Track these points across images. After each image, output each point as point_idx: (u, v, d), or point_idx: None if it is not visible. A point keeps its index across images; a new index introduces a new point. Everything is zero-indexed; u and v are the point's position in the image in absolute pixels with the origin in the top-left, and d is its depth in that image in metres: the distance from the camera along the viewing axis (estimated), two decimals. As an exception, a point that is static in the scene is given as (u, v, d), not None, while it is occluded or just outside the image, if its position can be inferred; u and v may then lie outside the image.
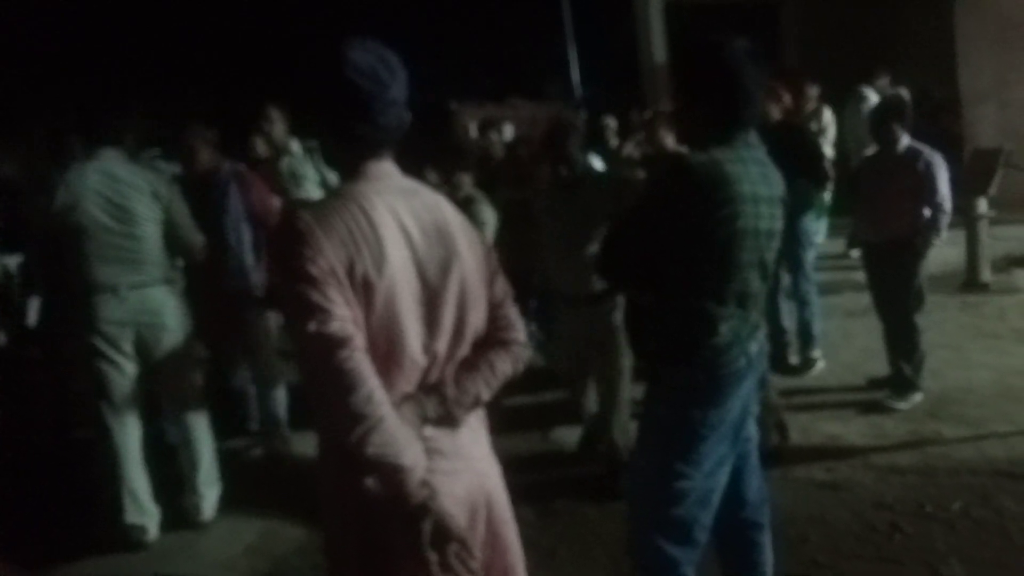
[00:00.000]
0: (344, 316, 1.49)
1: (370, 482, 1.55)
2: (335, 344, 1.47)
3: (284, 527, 3.64)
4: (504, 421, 4.50)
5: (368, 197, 1.58)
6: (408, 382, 1.61)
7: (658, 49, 11.52)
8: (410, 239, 1.60)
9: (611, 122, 8.14)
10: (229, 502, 3.86)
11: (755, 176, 2.13)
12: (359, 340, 1.50)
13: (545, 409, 5.02)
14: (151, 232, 3.58)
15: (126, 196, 3.51)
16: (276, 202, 4.54)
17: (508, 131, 10.02)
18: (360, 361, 1.49)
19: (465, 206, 4.96)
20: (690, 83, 2.26)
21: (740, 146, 2.16)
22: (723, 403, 2.20)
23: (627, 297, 2.51)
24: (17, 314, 5.13)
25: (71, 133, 3.69)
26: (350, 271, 1.50)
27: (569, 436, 4.54)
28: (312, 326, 1.47)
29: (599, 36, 13.79)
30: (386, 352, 1.56)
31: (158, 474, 3.74)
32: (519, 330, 1.79)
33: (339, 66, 1.59)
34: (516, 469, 3.85)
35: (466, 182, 5.14)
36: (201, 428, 3.80)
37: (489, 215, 5.03)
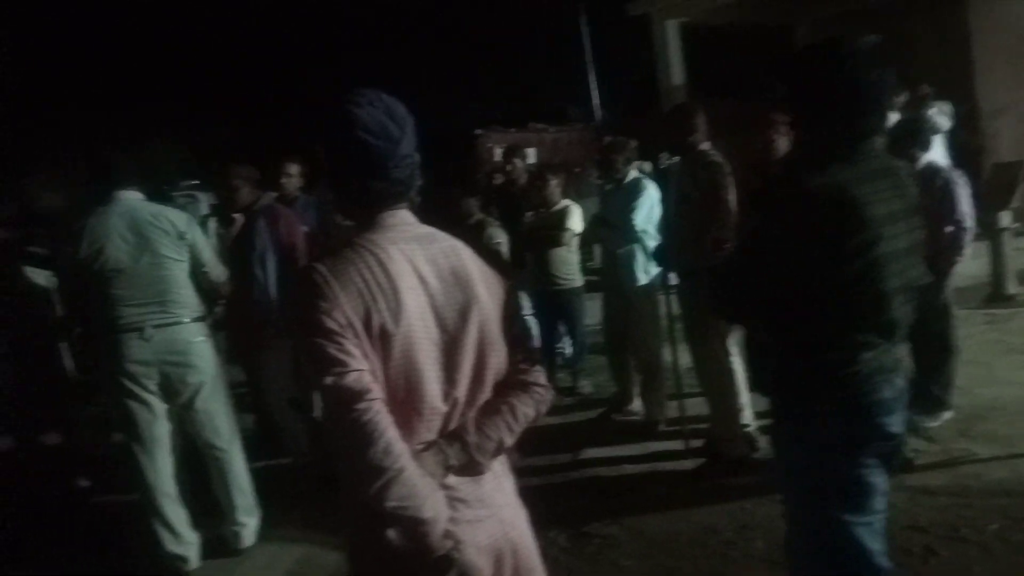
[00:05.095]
0: (361, 368, 1.50)
1: (393, 534, 1.55)
2: (352, 397, 1.48)
3: (322, 553, 3.69)
4: (534, 443, 4.59)
5: (384, 247, 1.60)
6: (429, 429, 1.61)
7: (676, 71, 11.61)
8: (427, 286, 1.61)
9: (632, 144, 8.33)
10: (268, 528, 3.93)
11: (886, 191, 1.92)
12: (377, 392, 1.51)
13: (575, 430, 5.07)
14: (176, 271, 3.63)
15: (149, 238, 3.56)
16: (301, 236, 4.66)
17: (531, 155, 10.18)
18: (378, 413, 1.50)
19: (478, 231, 5.09)
20: (806, 90, 2.02)
21: (866, 159, 1.94)
22: (869, 437, 1.99)
23: (746, 331, 2.33)
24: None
25: (92, 176, 3.72)
26: (367, 322, 1.52)
27: (599, 455, 4.58)
28: (329, 379, 1.49)
29: (618, 61, 13.92)
30: (406, 400, 1.57)
31: (198, 500, 3.82)
32: (540, 372, 1.77)
33: (349, 126, 1.61)
34: (547, 492, 3.95)
35: (475, 207, 5.27)
36: (235, 458, 3.85)
37: (502, 236, 5.15)
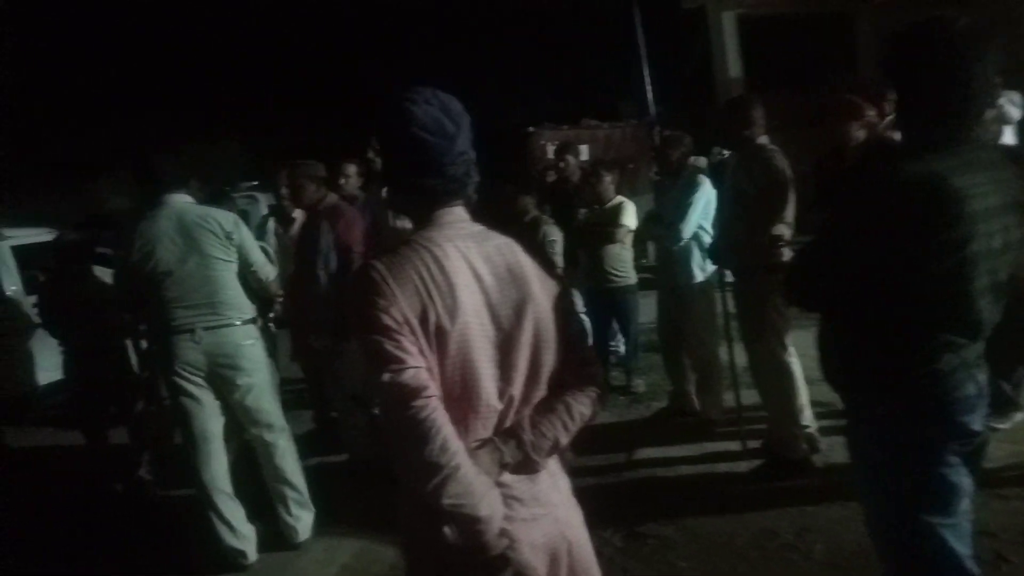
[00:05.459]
0: (418, 366, 1.51)
1: (448, 531, 1.55)
2: (409, 394, 1.49)
3: (378, 548, 3.73)
4: (588, 442, 4.57)
5: (440, 244, 1.60)
6: (484, 427, 1.62)
7: (732, 64, 11.43)
8: (482, 284, 1.61)
9: (686, 139, 8.25)
10: (326, 523, 3.98)
11: (986, 184, 1.80)
12: (433, 389, 1.52)
13: (629, 429, 5.02)
14: (224, 272, 3.68)
15: (197, 239, 3.60)
16: (361, 236, 4.70)
17: (584, 152, 10.12)
18: (434, 410, 1.50)
19: (533, 228, 5.08)
20: (906, 72, 1.91)
21: (968, 148, 1.83)
22: (950, 436, 1.92)
23: (821, 322, 2.24)
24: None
25: (140, 180, 3.81)
26: (423, 319, 1.52)
27: (655, 455, 4.53)
28: (386, 376, 1.49)
29: (672, 55, 13.75)
30: (462, 397, 1.57)
31: (256, 494, 3.89)
32: (596, 371, 1.76)
33: (405, 124, 1.61)
34: (601, 491, 3.92)
35: (530, 205, 5.24)
36: (287, 453, 3.90)
37: (557, 234, 5.12)
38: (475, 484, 1.51)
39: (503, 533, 1.55)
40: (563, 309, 1.73)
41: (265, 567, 3.78)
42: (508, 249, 1.69)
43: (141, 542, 4.24)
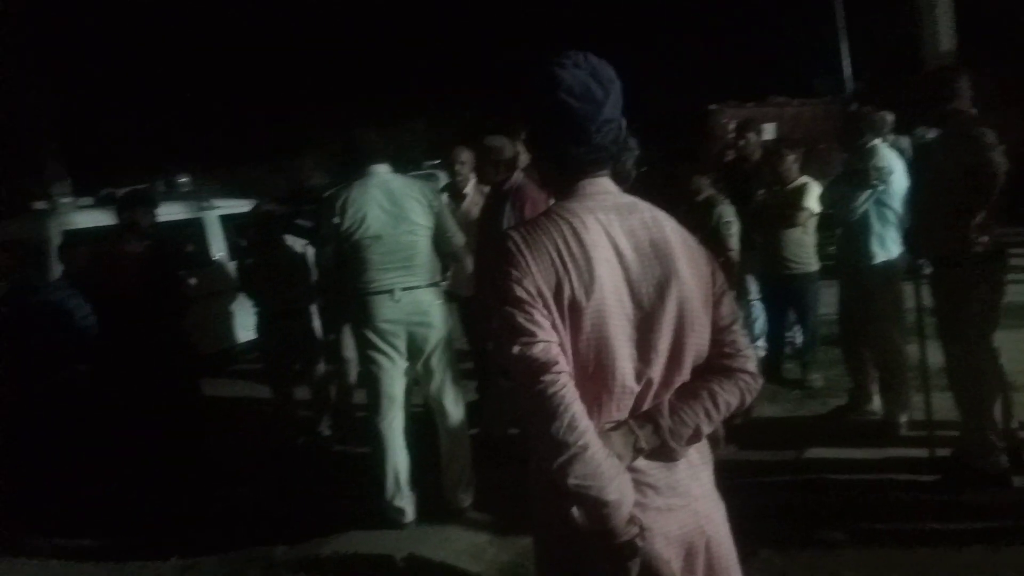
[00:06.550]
0: (549, 339, 1.47)
1: (575, 513, 1.49)
2: (538, 368, 1.45)
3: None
4: (755, 436, 4.35)
5: (580, 216, 1.54)
6: (619, 409, 1.55)
7: (945, 35, 10.35)
8: (623, 258, 1.54)
9: (888, 117, 7.75)
10: (483, 491, 4.06)
11: None
12: (564, 365, 1.47)
13: (802, 426, 4.74)
14: (423, 239, 3.93)
15: (404, 207, 3.87)
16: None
17: (768, 131, 9.60)
18: (564, 387, 1.45)
19: (706, 208, 4.84)
20: None
21: None
22: None
23: None
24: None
25: (347, 153, 4.07)
26: (557, 293, 1.48)
27: (828, 456, 4.22)
28: (516, 348, 1.46)
29: (873, 26, 12.66)
30: (595, 376, 1.52)
31: (418, 460, 4.03)
32: (748, 357, 1.64)
33: (552, 88, 1.55)
34: (765, 488, 3.72)
35: (705, 184, 5.01)
36: (460, 419, 4.05)
37: (732, 215, 4.85)
38: (603, 466, 1.45)
39: (633, 520, 1.48)
40: (714, 289, 1.62)
41: (421, 529, 3.90)
42: (654, 223, 1.60)
43: (314, 491, 4.55)
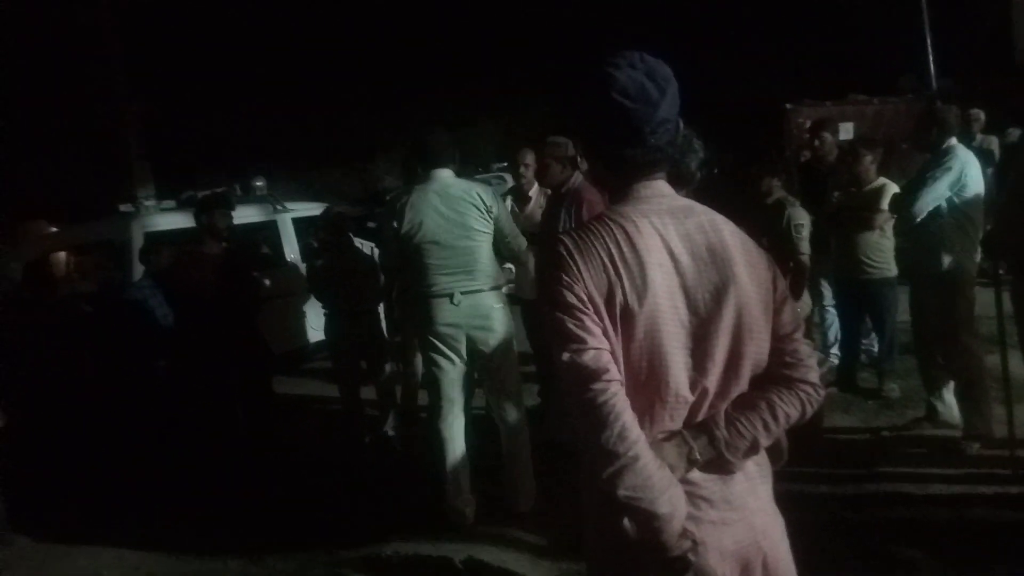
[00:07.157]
0: (600, 347, 1.43)
1: (627, 523, 1.45)
2: (588, 376, 1.42)
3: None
4: (827, 447, 4.20)
5: (634, 220, 1.51)
6: (672, 419, 1.51)
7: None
8: (678, 264, 1.49)
9: (980, 114, 7.57)
10: (545, 496, 4.04)
11: None
12: (615, 372, 1.43)
13: (876, 436, 4.55)
14: (482, 243, 3.92)
15: (461, 212, 3.87)
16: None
17: (848, 130, 9.26)
18: (614, 395, 1.41)
19: (777, 210, 4.71)
20: None
21: None
22: None
23: None
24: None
25: (412, 156, 4.09)
26: (609, 299, 1.45)
27: (903, 469, 4.05)
28: (566, 356, 1.43)
29: (962, 21, 12.09)
30: (648, 384, 1.48)
31: (480, 463, 4.05)
32: (810, 367, 1.57)
33: (606, 88, 1.51)
34: (836, 501, 3.59)
35: (775, 186, 4.88)
36: (519, 423, 4.04)
37: (804, 217, 4.70)
38: (655, 478, 1.41)
39: (686, 534, 1.44)
40: (775, 296, 1.56)
41: (481, 531, 3.91)
42: (711, 227, 1.54)
43: (377, 489, 4.62)
